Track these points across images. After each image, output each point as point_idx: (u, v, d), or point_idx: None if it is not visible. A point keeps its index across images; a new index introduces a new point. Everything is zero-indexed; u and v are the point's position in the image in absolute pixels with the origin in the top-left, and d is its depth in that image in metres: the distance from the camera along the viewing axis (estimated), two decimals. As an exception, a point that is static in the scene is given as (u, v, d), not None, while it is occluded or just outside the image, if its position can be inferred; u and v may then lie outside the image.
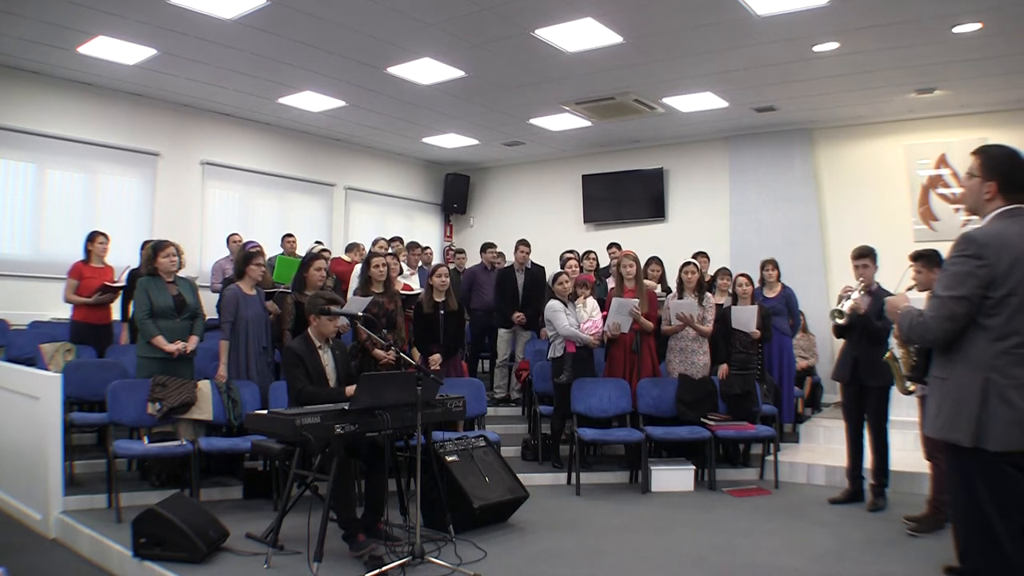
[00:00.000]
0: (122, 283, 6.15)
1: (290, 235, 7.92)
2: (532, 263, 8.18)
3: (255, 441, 4.54)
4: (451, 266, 8.88)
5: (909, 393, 4.47)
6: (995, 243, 2.37)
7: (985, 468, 2.35)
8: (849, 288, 4.97)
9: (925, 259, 4.31)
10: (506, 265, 7.94)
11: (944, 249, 4.35)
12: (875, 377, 4.80)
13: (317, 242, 7.91)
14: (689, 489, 5.48)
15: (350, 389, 4.08)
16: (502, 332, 7.47)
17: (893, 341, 4.51)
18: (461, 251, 9.92)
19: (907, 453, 5.06)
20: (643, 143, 10.16)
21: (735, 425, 5.66)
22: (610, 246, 8.44)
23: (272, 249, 7.52)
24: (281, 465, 4.68)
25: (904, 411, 5.30)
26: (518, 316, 7.33)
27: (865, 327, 4.85)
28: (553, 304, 5.94)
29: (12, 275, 7.23)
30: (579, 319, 5.92)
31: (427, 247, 8.89)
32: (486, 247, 8.30)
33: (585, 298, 6.04)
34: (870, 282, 4.95)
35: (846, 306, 4.87)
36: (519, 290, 7.45)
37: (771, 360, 6.46)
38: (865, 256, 4.95)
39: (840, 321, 4.94)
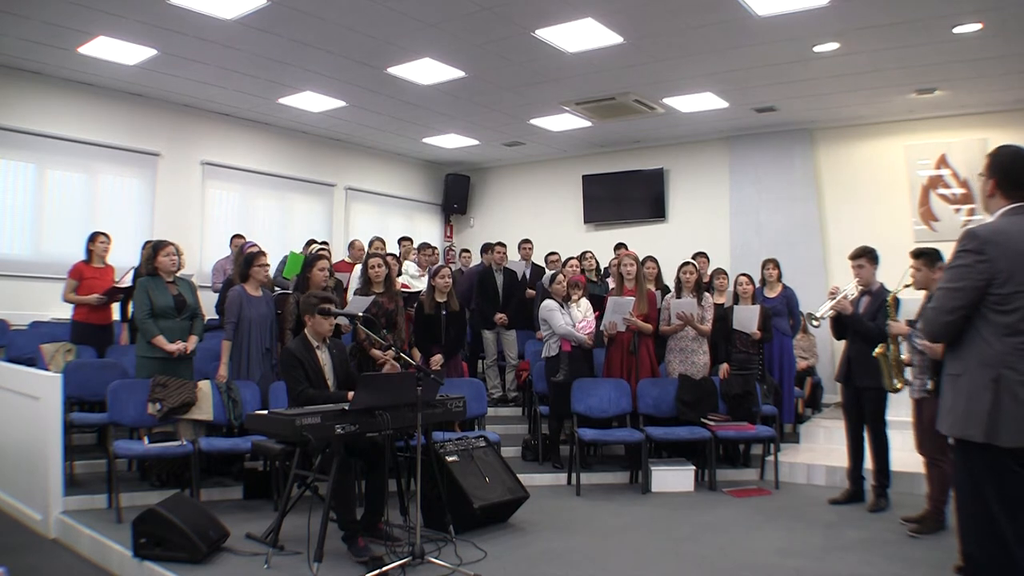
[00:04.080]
0: (127, 283, 6.13)
1: (319, 243, 7.70)
2: (533, 264, 8.20)
3: (255, 441, 4.55)
4: (454, 266, 8.88)
5: (897, 390, 4.48)
6: (998, 239, 2.40)
7: (994, 466, 2.37)
8: (837, 289, 4.98)
9: (925, 257, 4.31)
10: (484, 266, 7.91)
11: (944, 249, 4.40)
12: (867, 378, 4.78)
13: (323, 242, 7.90)
14: (689, 489, 5.47)
15: (351, 395, 4.07)
16: (486, 333, 7.46)
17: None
18: (466, 250, 9.92)
19: (907, 453, 5.05)
20: (643, 143, 10.15)
21: (735, 425, 5.66)
22: (618, 246, 8.44)
23: (272, 249, 7.49)
24: (281, 465, 4.68)
25: (904, 411, 5.30)
26: (500, 318, 7.33)
27: (856, 328, 4.85)
28: (548, 303, 5.96)
29: (12, 275, 7.22)
30: (574, 319, 5.93)
31: (435, 248, 8.89)
32: (487, 247, 8.28)
33: (578, 299, 6.05)
34: (867, 282, 4.93)
35: (821, 310, 4.90)
36: (499, 291, 7.45)
37: (771, 360, 6.45)
38: (861, 256, 4.94)
39: (815, 324, 4.99)
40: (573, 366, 5.83)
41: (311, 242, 7.90)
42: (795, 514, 4.86)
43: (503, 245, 7.74)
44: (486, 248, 8.19)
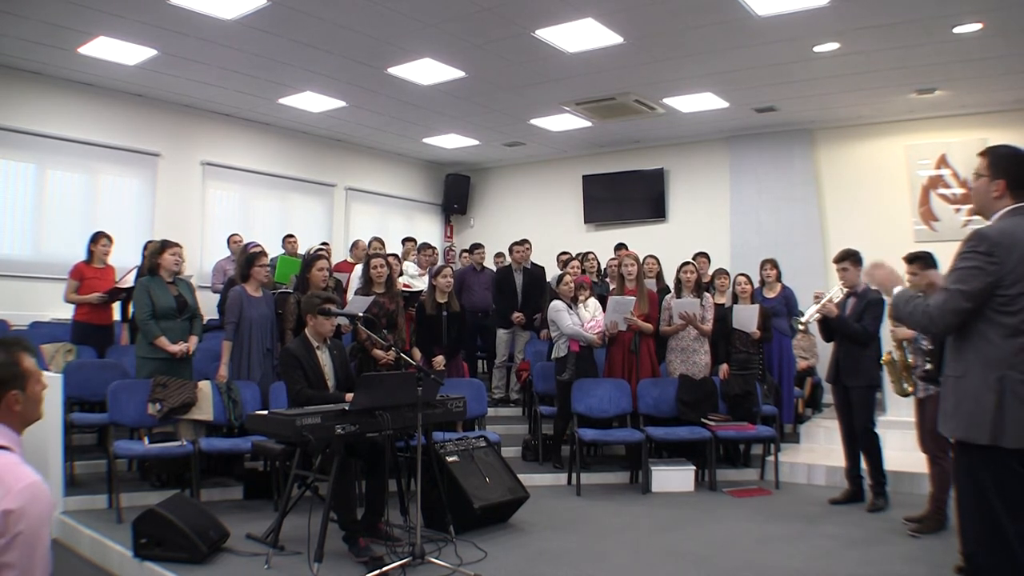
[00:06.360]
0: (129, 283, 6.13)
1: (291, 236, 7.92)
2: (532, 263, 8.16)
3: (255, 441, 4.55)
4: (454, 266, 8.88)
5: (907, 395, 4.48)
6: (1006, 241, 2.39)
7: (997, 468, 2.36)
8: (821, 293, 5.01)
9: (920, 261, 4.30)
10: (503, 265, 7.92)
11: (945, 249, 4.41)
12: (854, 377, 4.82)
13: (323, 243, 7.90)
14: (690, 489, 5.47)
15: (349, 396, 4.07)
16: (501, 332, 7.45)
17: (891, 343, 4.53)
18: (467, 250, 9.91)
19: (907, 453, 5.05)
20: (643, 143, 10.15)
21: (735, 425, 5.66)
22: (618, 246, 8.43)
23: (272, 250, 7.52)
24: (282, 466, 4.68)
25: (904, 412, 5.30)
26: (517, 316, 7.33)
27: (842, 330, 4.87)
28: (556, 304, 5.95)
29: (12, 275, 7.22)
30: (582, 319, 5.93)
31: (435, 248, 8.89)
32: (474, 248, 8.31)
33: (586, 299, 6.06)
34: (852, 285, 4.97)
35: (807, 315, 4.93)
36: (518, 290, 7.45)
37: (771, 360, 6.46)
38: (845, 259, 4.97)
39: (800, 328, 5.01)
40: (580, 365, 5.84)
41: (289, 236, 7.90)
42: (795, 514, 4.85)
43: (527, 243, 7.67)
44: (473, 248, 8.24)
